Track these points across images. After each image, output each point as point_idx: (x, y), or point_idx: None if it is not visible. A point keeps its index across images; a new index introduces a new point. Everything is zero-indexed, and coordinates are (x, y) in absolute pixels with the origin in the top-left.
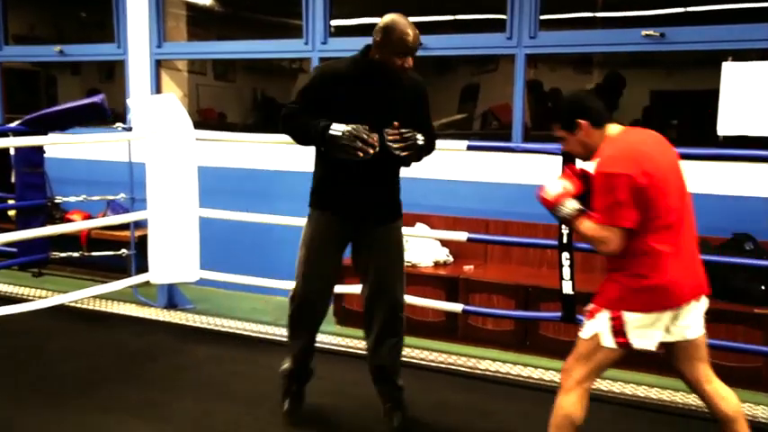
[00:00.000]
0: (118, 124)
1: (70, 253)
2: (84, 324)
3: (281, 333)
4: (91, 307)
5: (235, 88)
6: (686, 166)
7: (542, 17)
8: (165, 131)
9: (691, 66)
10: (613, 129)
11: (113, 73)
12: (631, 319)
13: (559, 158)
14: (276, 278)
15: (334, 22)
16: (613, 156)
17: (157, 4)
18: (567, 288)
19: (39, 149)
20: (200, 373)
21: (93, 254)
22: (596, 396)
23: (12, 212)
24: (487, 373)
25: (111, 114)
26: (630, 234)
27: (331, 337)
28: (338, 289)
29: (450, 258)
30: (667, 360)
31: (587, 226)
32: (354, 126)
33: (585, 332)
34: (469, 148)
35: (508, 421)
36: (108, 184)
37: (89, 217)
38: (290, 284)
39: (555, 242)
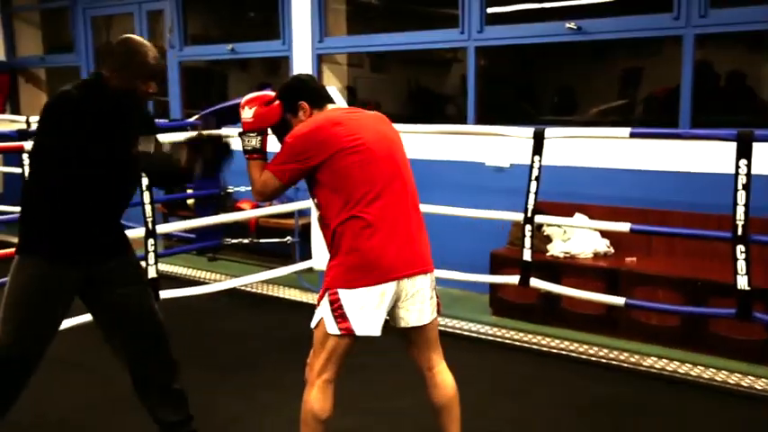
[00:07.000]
0: None
1: (240, 239)
2: (252, 307)
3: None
4: (259, 291)
5: (390, 80)
6: None
7: None
8: None
9: None
10: (329, 108)
11: (278, 68)
12: (346, 297)
13: (733, 144)
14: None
15: (491, 10)
16: (303, 129)
17: (319, 1)
18: (743, 283)
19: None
20: (353, 360)
21: (261, 240)
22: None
23: (190, 201)
24: (652, 370)
25: None
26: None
27: (486, 327)
28: (493, 279)
29: (611, 249)
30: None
31: (255, 166)
32: None
33: (313, 321)
34: (632, 135)
35: (672, 422)
36: None
37: (257, 206)
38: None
39: (728, 234)
